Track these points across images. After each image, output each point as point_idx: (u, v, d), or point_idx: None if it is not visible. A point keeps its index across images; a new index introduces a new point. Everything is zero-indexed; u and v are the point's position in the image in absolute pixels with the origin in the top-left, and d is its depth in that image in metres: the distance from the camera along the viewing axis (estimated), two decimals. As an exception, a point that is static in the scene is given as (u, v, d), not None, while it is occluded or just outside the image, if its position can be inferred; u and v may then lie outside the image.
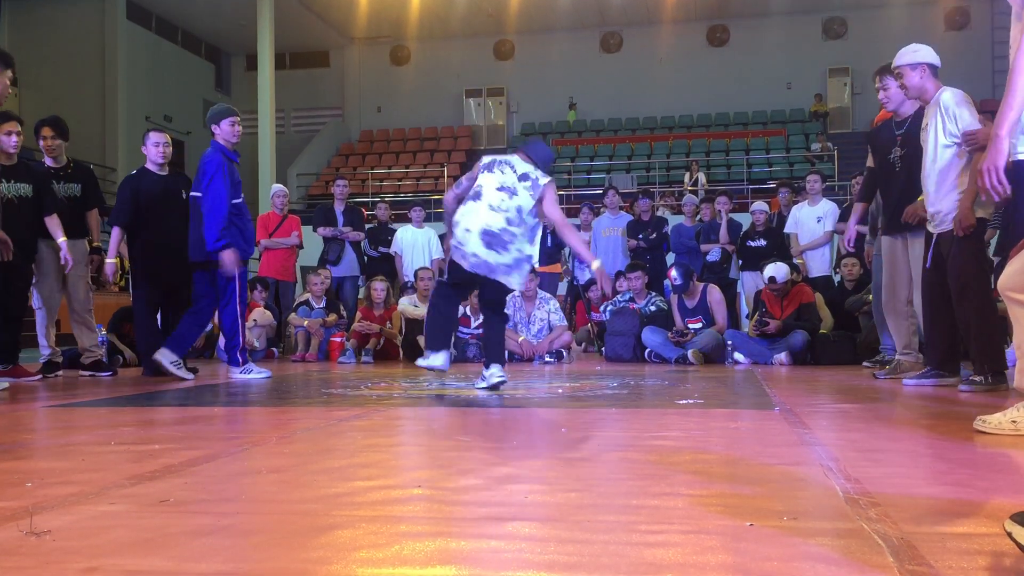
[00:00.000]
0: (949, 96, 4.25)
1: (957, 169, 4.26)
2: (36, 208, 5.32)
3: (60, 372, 5.74)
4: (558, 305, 7.63)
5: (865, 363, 5.68)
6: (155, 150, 5.74)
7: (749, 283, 8.27)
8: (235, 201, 5.27)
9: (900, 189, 4.85)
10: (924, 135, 4.40)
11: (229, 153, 5.33)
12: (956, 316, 4.28)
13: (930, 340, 4.60)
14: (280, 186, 9.25)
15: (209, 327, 8.29)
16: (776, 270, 6.81)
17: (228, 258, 5.16)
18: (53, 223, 5.38)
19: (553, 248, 8.79)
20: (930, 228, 4.45)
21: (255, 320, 7.91)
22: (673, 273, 7.22)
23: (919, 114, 4.60)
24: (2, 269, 4.91)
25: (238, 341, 5.35)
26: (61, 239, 5.33)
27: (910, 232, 4.79)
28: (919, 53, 4.39)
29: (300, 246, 8.86)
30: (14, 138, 5.23)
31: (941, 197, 4.31)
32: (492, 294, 4.34)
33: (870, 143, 5.33)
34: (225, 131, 5.33)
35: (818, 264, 7.91)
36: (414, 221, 9.21)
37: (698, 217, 9.10)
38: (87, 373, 5.73)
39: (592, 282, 8.82)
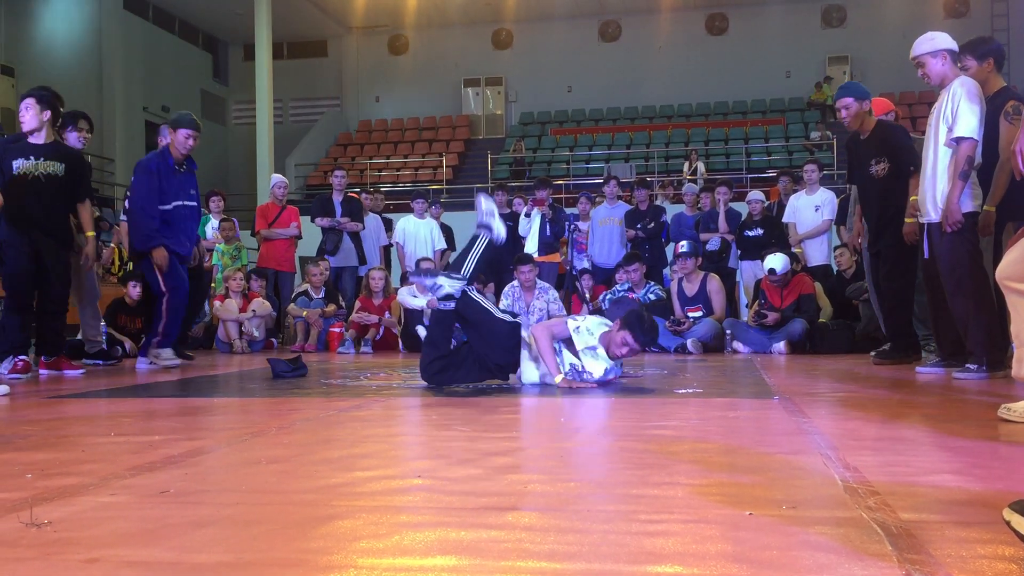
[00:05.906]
0: (959, 84, 4.18)
1: (946, 159, 4.21)
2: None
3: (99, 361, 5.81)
4: (557, 295, 7.62)
5: (872, 354, 5.50)
6: (188, 143, 5.41)
7: (748, 272, 8.26)
8: (166, 207, 5.24)
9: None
10: (931, 119, 4.35)
11: (170, 160, 5.29)
12: (951, 309, 4.26)
13: (937, 331, 4.59)
14: (280, 177, 9.23)
15: (207, 318, 8.31)
16: (776, 261, 6.80)
17: (157, 257, 5.17)
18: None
19: (552, 238, 8.76)
20: (920, 218, 4.43)
21: (254, 310, 7.92)
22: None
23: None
24: (39, 256, 4.80)
25: (164, 331, 5.29)
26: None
27: None
28: (936, 40, 4.32)
29: (299, 236, 8.86)
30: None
31: (929, 186, 4.28)
32: None
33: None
34: (179, 140, 5.28)
35: (816, 253, 7.90)
36: (416, 212, 9.19)
37: (699, 206, 9.08)
38: (91, 362, 5.75)
39: (584, 271, 8.79)
